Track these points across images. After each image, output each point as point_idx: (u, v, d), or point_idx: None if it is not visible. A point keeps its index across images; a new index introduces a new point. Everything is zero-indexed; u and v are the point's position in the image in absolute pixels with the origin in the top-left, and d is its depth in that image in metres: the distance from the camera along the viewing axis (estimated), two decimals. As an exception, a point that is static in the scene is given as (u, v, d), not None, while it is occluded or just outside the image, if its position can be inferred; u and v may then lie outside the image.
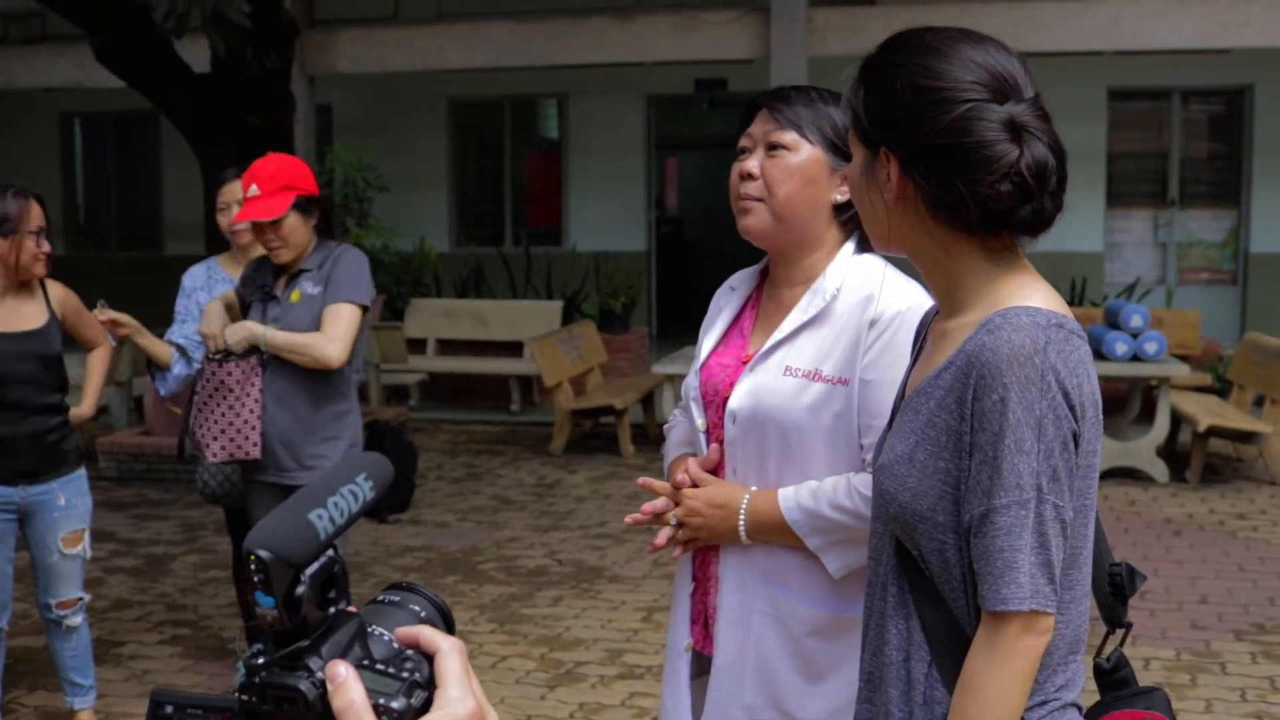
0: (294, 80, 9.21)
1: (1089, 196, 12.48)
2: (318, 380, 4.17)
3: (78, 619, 4.45)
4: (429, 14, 12.73)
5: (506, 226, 14.60)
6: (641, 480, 2.49)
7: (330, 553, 0.95)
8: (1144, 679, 5.30)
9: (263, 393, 4.15)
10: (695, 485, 2.36)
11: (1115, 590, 1.90)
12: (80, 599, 4.47)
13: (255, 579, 0.91)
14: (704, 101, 15.02)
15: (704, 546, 2.41)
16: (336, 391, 4.22)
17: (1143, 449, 8.45)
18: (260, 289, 4.25)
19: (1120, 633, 1.94)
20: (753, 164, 2.34)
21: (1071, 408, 1.64)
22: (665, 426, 2.65)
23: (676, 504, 2.37)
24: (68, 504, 4.35)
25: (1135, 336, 8.46)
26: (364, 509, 0.98)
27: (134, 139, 15.22)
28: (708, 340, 2.48)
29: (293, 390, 4.17)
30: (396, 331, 10.72)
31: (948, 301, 1.80)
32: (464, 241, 14.59)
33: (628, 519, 2.39)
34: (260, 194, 4.04)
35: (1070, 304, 11.81)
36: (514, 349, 11.51)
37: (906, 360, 1.99)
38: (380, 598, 1.01)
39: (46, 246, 4.30)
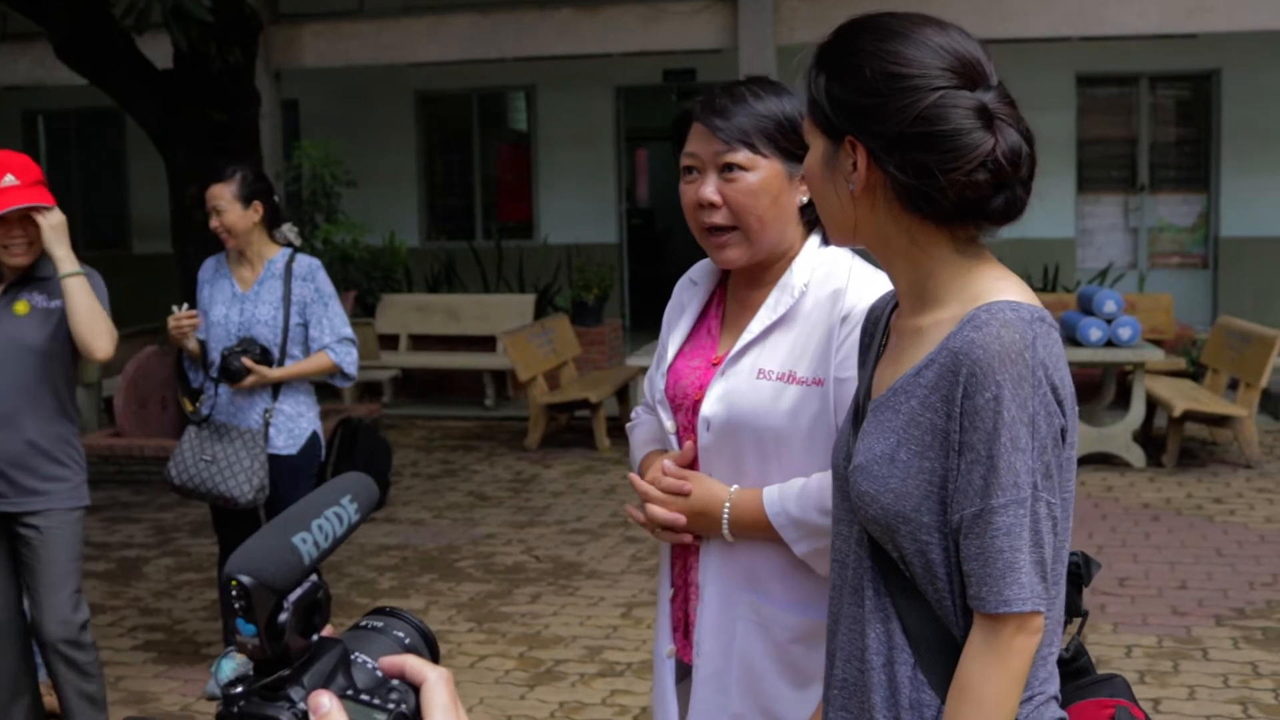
0: (259, 75, 9.12)
1: (1059, 183, 12.51)
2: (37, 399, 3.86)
3: None
4: (394, 7, 12.63)
5: (477, 220, 14.53)
6: (631, 477, 2.36)
7: (314, 578, 0.91)
8: (1126, 666, 5.24)
9: None
10: (670, 489, 2.24)
11: (1072, 579, 1.88)
12: None
13: (236, 605, 0.87)
14: (673, 93, 14.99)
15: (684, 551, 2.34)
16: (63, 413, 3.96)
17: (1118, 434, 8.47)
18: None
19: (1077, 622, 1.92)
20: (710, 191, 2.19)
21: (1060, 403, 1.63)
22: (628, 426, 2.52)
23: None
24: None
25: (1109, 322, 8.46)
26: (349, 532, 0.94)
27: (99, 137, 15.07)
28: (673, 340, 2.37)
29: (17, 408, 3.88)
30: (368, 327, 10.65)
31: (914, 294, 1.75)
32: (434, 236, 14.52)
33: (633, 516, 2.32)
34: (20, 184, 3.77)
35: (1043, 291, 11.87)
36: (487, 343, 11.45)
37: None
38: (363, 623, 0.97)
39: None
